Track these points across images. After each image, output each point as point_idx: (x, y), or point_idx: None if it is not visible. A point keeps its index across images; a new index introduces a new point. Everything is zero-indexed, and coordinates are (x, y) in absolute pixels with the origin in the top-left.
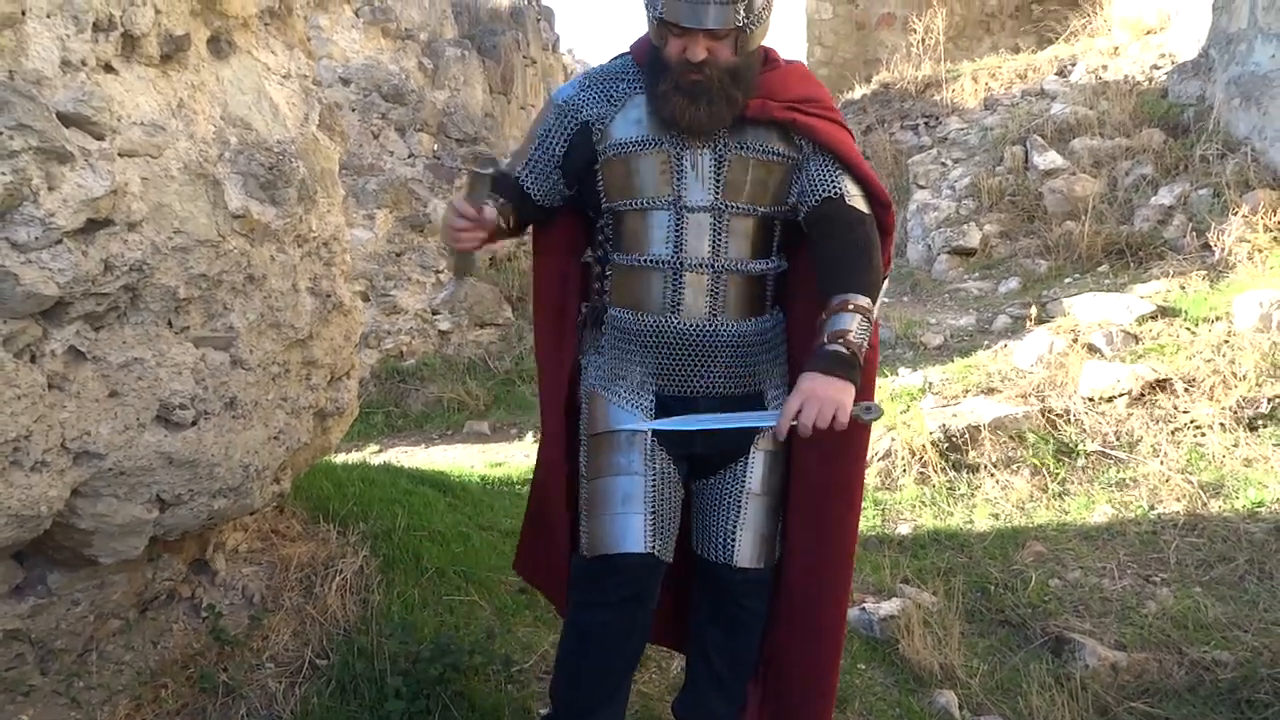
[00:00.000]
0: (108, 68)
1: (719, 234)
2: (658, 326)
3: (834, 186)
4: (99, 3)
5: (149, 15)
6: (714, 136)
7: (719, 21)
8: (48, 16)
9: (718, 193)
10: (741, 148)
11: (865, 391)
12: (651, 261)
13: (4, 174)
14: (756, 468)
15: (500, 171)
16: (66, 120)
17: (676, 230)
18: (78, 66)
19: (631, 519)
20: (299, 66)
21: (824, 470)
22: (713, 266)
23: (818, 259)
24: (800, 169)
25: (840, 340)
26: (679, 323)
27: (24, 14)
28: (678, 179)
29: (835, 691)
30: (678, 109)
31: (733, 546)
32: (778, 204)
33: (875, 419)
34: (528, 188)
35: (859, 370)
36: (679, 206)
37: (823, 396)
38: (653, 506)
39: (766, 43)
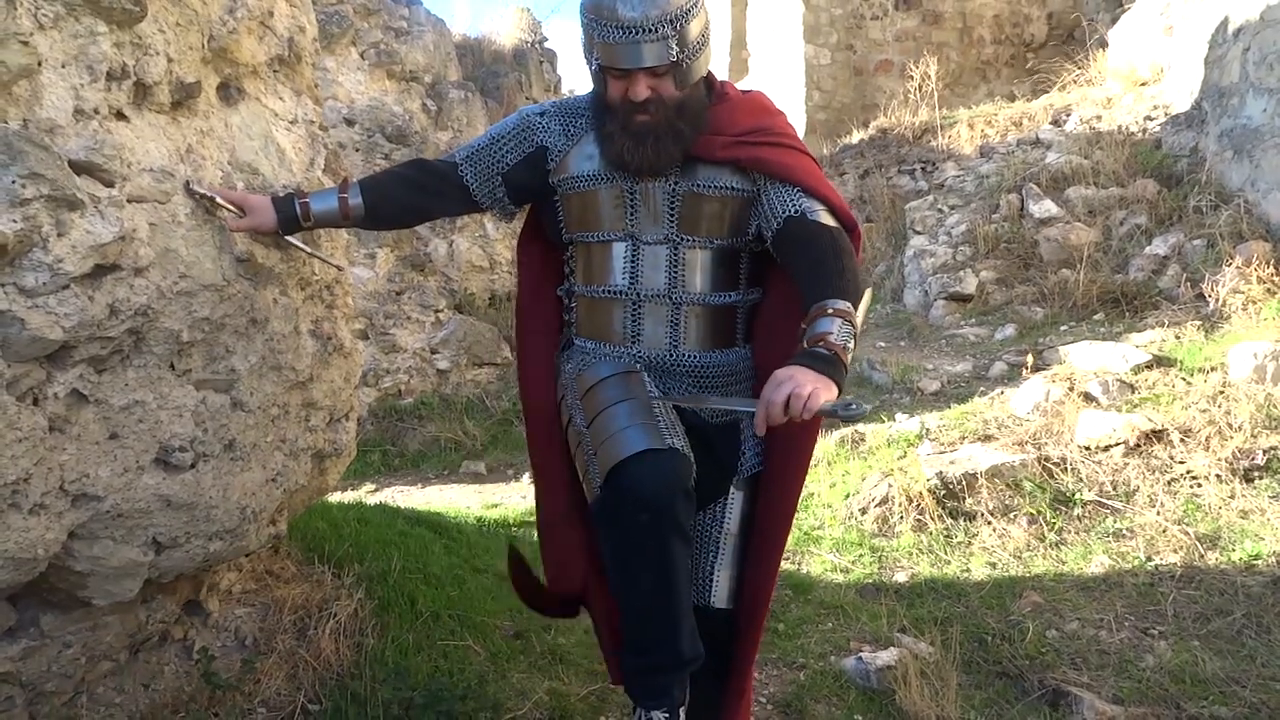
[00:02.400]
0: (119, 115)
1: (676, 266)
2: (620, 357)
3: (794, 206)
4: (113, 52)
5: (161, 64)
6: (666, 174)
7: (655, 58)
8: (62, 66)
9: (673, 227)
10: (694, 185)
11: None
12: (610, 292)
13: (15, 221)
14: (736, 506)
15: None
16: (78, 168)
17: (633, 262)
18: (90, 115)
19: (634, 430)
20: (306, 112)
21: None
22: (671, 298)
23: (794, 278)
24: (758, 199)
25: (821, 343)
26: (640, 353)
27: (40, 65)
28: (631, 213)
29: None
30: (625, 150)
31: (710, 588)
32: (736, 235)
33: (857, 417)
34: (465, 175)
35: (842, 371)
36: (634, 239)
37: (798, 381)
38: (658, 415)
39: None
